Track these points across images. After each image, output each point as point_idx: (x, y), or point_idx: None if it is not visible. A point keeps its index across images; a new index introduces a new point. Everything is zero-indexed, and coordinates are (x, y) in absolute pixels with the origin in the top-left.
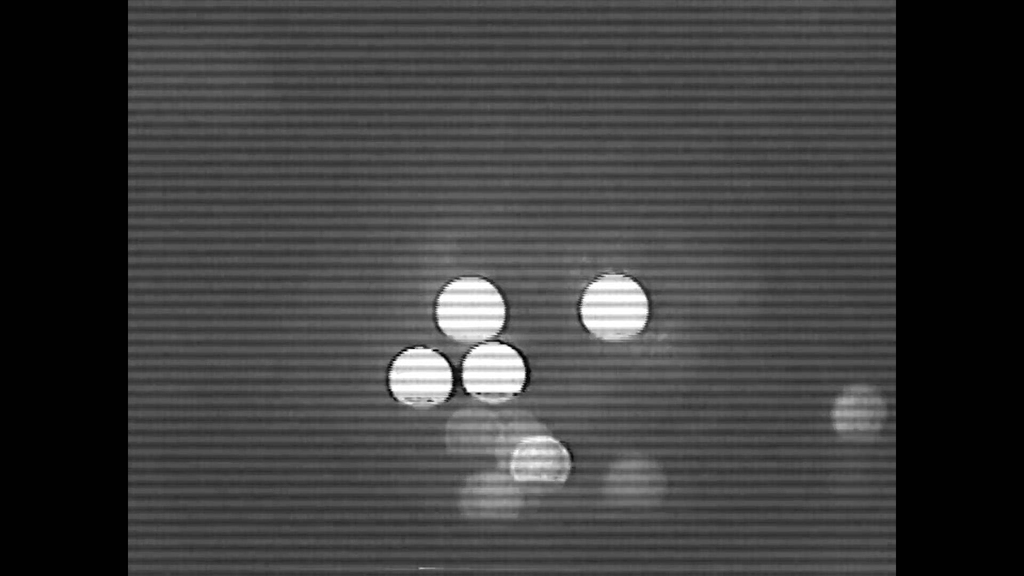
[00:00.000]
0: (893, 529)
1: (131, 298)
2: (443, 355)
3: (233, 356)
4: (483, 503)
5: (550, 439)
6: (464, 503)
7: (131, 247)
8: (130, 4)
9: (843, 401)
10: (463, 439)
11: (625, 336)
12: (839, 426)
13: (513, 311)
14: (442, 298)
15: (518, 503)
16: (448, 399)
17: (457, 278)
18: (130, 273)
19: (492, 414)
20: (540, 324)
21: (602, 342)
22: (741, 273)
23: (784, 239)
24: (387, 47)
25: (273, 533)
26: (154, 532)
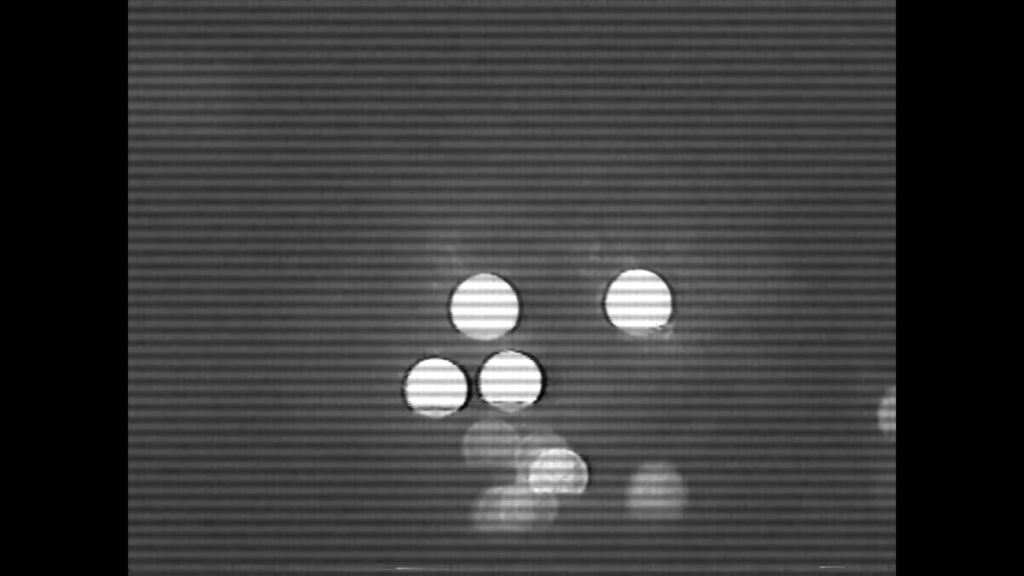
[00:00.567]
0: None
1: (131, 297)
2: (460, 366)
3: (240, 357)
4: (500, 515)
5: (567, 451)
6: (480, 515)
7: (131, 259)
8: (130, 5)
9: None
10: (480, 450)
11: (648, 332)
12: (884, 426)
13: (527, 310)
14: (456, 297)
15: (535, 515)
16: (463, 408)
17: (470, 276)
18: (130, 273)
19: (509, 426)
20: (555, 324)
21: (623, 339)
22: (763, 271)
23: (805, 229)
24: (393, 47)
25: (281, 546)
26: (154, 532)
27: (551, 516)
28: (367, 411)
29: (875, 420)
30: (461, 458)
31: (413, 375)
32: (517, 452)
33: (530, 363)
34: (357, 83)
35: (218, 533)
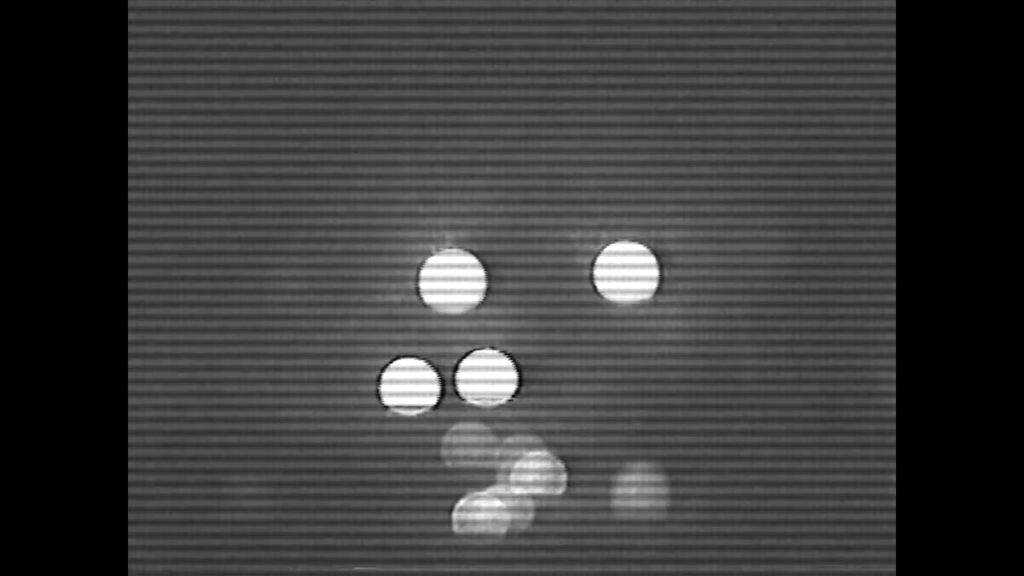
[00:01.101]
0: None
1: (130, 296)
2: (434, 365)
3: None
4: (479, 516)
5: (545, 452)
6: (459, 516)
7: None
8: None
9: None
10: (458, 451)
11: (636, 302)
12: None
13: (494, 284)
14: (424, 272)
15: (514, 516)
16: (436, 407)
17: (444, 251)
18: (130, 274)
19: (486, 426)
20: (525, 299)
21: (597, 314)
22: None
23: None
24: (364, 21)
25: (270, 546)
26: (154, 532)
27: (530, 517)
28: (342, 411)
29: (880, 408)
30: (438, 458)
31: (387, 374)
32: (496, 452)
33: (506, 361)
34: (330, 58)
35: (210, 533)
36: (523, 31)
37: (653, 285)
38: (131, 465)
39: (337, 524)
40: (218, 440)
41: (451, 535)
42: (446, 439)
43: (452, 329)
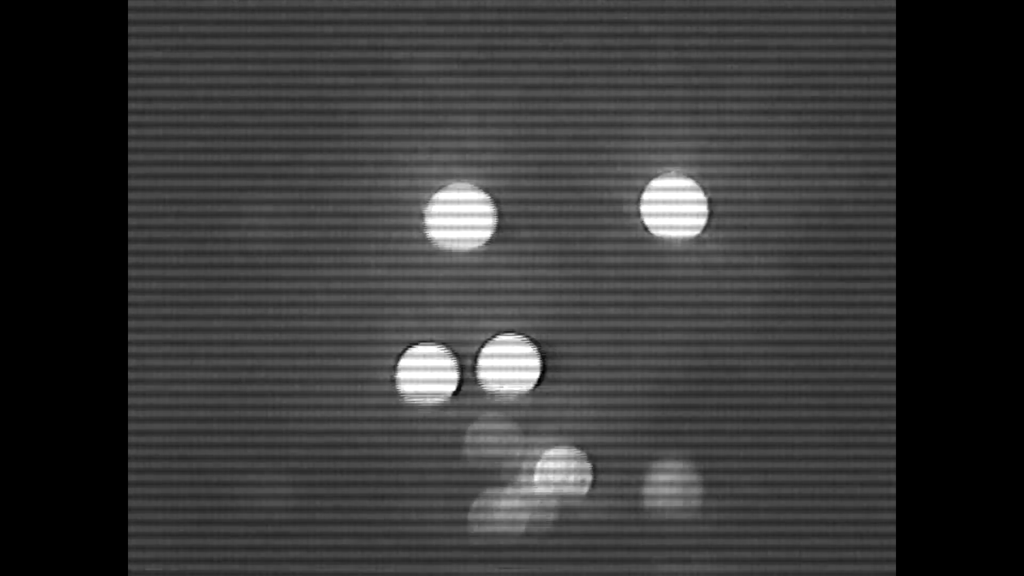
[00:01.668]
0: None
1: (130, 290)
2: (454, 352)
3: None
4: (499, 515)
5: (570, 450)
6: (477, 515)
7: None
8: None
9: None
10: (480, 449)
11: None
12: None
13: (504, 220)
14: (431, 207)
15: (537, 515)
16: (456, 395)
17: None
18: (129, 270)
19: (508, 417)
20: (534, 234)
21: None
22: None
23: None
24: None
25: (275, 546)
26: (154, 532)
27: (552, 516)
28: (358, 399)
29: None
30: (458, 446)
31: (403, 361)
32: (517, 452)
33: (529, 348)
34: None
35: (212, 533)
36: None
37: (701, 221)
38: (132, 452)
39: (349, 524)
40: (227, 432)
41: (469, 534)
42: (467, 434)
43: (475, 304)
